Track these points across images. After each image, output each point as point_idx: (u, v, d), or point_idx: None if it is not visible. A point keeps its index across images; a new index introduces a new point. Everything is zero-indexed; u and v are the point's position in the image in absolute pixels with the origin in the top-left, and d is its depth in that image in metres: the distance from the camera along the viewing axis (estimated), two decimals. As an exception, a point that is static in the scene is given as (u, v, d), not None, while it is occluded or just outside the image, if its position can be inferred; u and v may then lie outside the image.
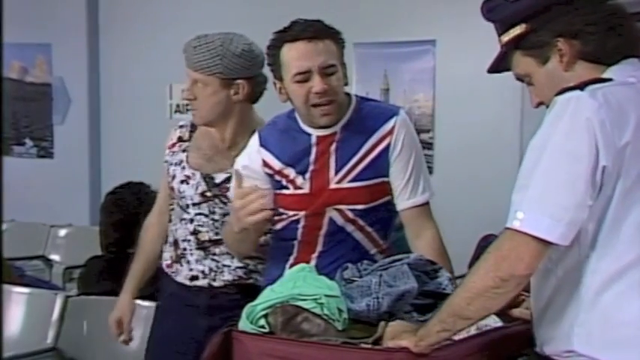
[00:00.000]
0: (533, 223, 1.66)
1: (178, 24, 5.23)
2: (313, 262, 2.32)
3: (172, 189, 2.63)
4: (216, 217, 2.56)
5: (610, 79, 1.76)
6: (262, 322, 2.00)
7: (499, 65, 1.96)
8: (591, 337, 1.73)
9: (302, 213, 2.34)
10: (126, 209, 3.55)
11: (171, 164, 2.64)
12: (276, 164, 2.34)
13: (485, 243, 1.77)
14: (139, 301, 2.86)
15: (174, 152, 2.65)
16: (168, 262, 2.66)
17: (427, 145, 4.69)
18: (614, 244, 1.71)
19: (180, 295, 2.62)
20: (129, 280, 2.79)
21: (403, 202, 2.36)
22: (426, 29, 4.90)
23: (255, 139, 2.40)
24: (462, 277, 1.87)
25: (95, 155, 6.25)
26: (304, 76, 2.24)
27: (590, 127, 1.66)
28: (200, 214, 2.57)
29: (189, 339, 2.56)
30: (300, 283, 2.05)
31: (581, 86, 1.73)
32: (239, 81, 2.50)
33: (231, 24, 5.04)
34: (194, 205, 2.57)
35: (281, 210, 2.37)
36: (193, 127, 2.65)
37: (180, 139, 2.66)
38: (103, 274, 3.54)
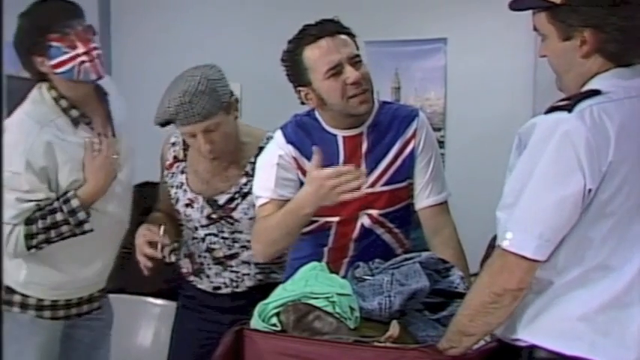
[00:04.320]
0: (522, 244, 1.72)
1: (190, 22, 5.23)
2: (344, 267, 2.32)
3: (178, 212, 2.60)
4: (226, 234, 2.55)
5: (599, 92, 1.77)
6: (274, 320, 2.01)
7: (520, 6, 1.89)
8: (536, 327, 1.80)
9: (335, 219, 2.34)
10: (142, 208, 3.55)
11: (171, 186, 2.61)
12: (305, 163, 2.31)
13: (494, 242, 1.80)
14: (151, 299, 2.86)
15: (173, 174, 2.62)
16: (185, 271, 2.65)
17: (439, 144, 4.67)
18: (582, 251, 1.76)
19: (202, 298, 2.63)
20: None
21: (423, 200, 2.37)
22: (437, 27, 4.88)
23: (279, 136, 2.37)
24: (476, 275, 1.88)
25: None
26: (336, 70, 2.24)
27: (578, 152, 1.70)
28: (210, 234, 2.56)
29: (213, 334, 2.54)
30: (312, 281, 2.05)
31: (569, 106, 1.74)
32: (231, 100, 2.46)
33: (242, 21, 5.04)
34: (202, 226, 2.56)
35: (314, 217, 2.31)
36: (186, 145, 2.61)
37: (175, 159, 2.62)
38: (116, 272, 3.54)
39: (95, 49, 2.44)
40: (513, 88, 4.42)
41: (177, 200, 2.60)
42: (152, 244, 2.46)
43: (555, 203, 1.71)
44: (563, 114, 1.74)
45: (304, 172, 2.29)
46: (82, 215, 2.41)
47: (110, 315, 2.75)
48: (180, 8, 5.44)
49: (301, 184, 2.30)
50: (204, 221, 2.55)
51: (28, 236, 2.40)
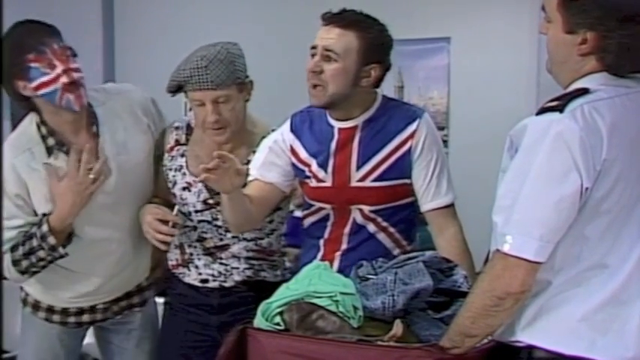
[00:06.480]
0: (523, 247, 1.72)
1: (194, 22, 5.24)
2: (337, 261, 2.37)
3: (174, 195, 2.58)
4: (219, 223, 2.53)
5: (587, 90, 1.77)
6: (278, 319, 2.01)
7: None
8: (535, 329, 1.80)
9: (328, 206, 2.40)
10: None
11: (170, 169, 2.60)
12: (302, 152, 2.41)
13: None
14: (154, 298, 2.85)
15: (172, 157, 2.60)
16: (174, 263, 2.64)
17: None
18: (579, 249, 1.76)
19: (189, 296, 2.60)
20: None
21: (427, 203, 2.38)
22: (440, 27, 4.89)
23: (287, 123, 2.45)
24: (479, 274, 1.88)
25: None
26: (312, 52, 2.31)
27: (573, 151, 1.70)
28: (203, 221, 2.55)
29: (200, 336, 2.56)
30: (315, 280, 2.06)
31: (560, 107, 1.74)
32: (245, 80, 2.48)
33: (244, 20, 5.04)
34: (197, 212, 2.55)
35: (310, 201, 2.45)
36: (189, 130, 2.60)
37: (177, 142, 2.61)
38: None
39: (76, 70, 2.37)
40: (517, 86, 4.41)
41: (175, 183, 2.57)
42: (163, 223, 2.46)
43: (554, 204, 1.71)
44: (555, 114, 1.74)
45: (301, 161, 2.40)
46: (51, 240, 2.39)
47: (143, 319, 2.73)
48: (183, 13, 5.45)
49: (291, 171, 2.42)
50: (200, 206, 2.54)
51: (15, 262, 2.42)
